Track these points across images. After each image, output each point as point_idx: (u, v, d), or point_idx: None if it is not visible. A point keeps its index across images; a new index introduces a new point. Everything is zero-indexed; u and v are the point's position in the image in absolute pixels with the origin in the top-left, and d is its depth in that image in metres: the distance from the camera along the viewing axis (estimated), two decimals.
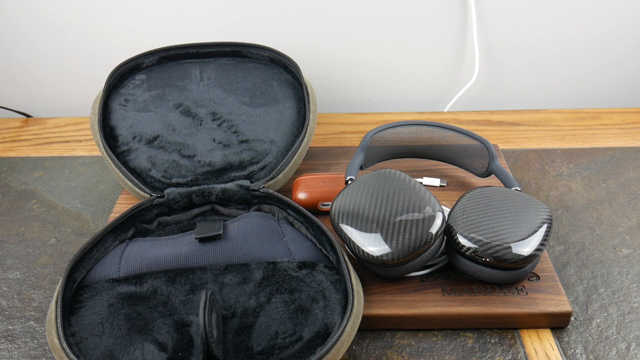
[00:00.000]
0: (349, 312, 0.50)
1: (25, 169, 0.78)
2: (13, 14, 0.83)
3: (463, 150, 0.68)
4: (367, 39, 0.84)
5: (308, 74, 0.86)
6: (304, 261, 0.57)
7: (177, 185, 0.65)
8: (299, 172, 0.72)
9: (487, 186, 0.59)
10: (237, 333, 0.50)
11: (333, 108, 0.91)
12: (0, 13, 0.83)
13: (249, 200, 0.65)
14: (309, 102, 0.69)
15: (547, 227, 0.55)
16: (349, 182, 0.60)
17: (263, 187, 0.64)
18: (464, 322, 0.54)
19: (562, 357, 0.52)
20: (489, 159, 0.65)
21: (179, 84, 0.72)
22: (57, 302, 0.50)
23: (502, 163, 0.72)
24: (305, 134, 0.68)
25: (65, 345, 0.47)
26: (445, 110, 0.90)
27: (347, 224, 0.55)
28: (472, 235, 0.54)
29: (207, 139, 0.68)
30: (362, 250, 0.53)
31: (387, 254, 0.53)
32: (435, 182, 0.69)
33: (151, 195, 0.63)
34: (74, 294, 0.54)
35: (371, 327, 0.55)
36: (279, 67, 0.74)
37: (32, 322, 0.57)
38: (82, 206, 0.71)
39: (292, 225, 0.62)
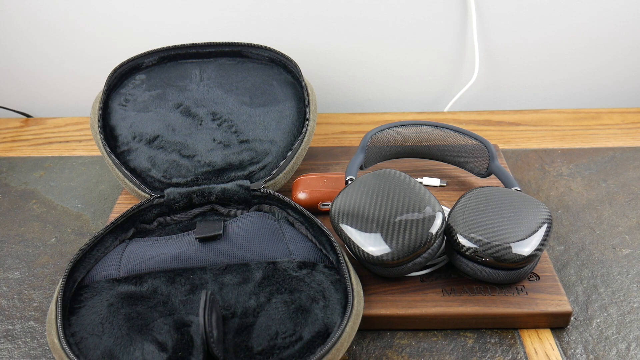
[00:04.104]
0: (349, 312, 0.50)
1: (25, 169, 0.78)
2: (13, 15, 0.83)
3: (463, 150, 0.68)
4: (367, 39, 0.84)
5: (308, 74, 0.86)
6: (304, 261, 0.57)
7: (177, 185, 0.65)
8: (299, 172, 0.72)
9: (487, 186, 0.59)
10: (237, 333, 0.50)
11: (333, 108, 0.91)
12: (1, 14, 0.83)
13: (249, 200, 0.65)
14: (309, 102, 0.69)
15: (547, 227, 0.55)
16: (349, 182, 0.60)
17: (263, 187, 0.64)
18: (464, 322, 0.54)
19: (562, 357, 0.52)
20: (489, 159, 0.65)
21: (179, 84, 0.72)
22: (57, 302, 0.50)
23: (502, 163, 0.72)
24: (305, 134, 0.68)
25: (65, 345, 0.47)
26: (445, 110, 0.90)
27: (347, 224, 0.55)
28: (472, 235, 0.54)
29: (207, 139, 0.68)
30: (362, 250, 0.53)
31: (387, 254, 0.53)
32: (435, 182, 0.69)
33: (151, 195, 0.63)
34: (74, 294, 0.54)
35: (371, 327, 0.55)
36: (279, 67, 0.74)
37: (32, 322, 0.57)
38: (82, 206, 0.71)
39: (292, 225, 0.62)
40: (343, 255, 0.55)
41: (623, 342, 0.54)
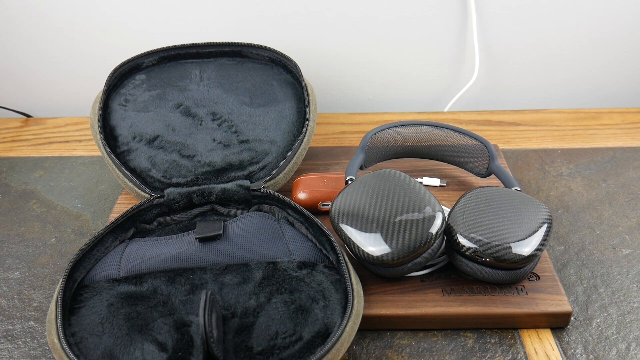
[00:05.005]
0: (349, 312, 0.50)
1: (25, 169, 0.78)
2: (13, 14, 0.83)
3: (463, 150, 0.68)
4: (367, 39, 0.84)
5: (308, 74, 0.86)
6: (304, 261, 0.57)
7: (177, 185, 0.65)
8: (299, 172, 0.72)
9: (487, 186, 0.59)
10: (237, 333, 0.50)
11: (333, 108, 0.91)
12: (0, 13, 0.83)
13: (249, 200, 0.65)
14: (309, 102, 0.69)
15: (547, 227, 0.55)
16: (349, 182, 0.60)
17: (263, 187, 0.64)
18: (464, 322, 0.54)
19: (562, 357, 0.52)
20: (489, 159, 0.65)
21: (179, 84, 0.72)
22: (57, 302, 0.50)
23: (502, 163, 0.72)
24: (305, 134, 0.68)
25: (65, 345, 0.47)
26: (445, 110, 0.90)
27: (347, 224, 0.55)
28: (472, 235, 0.54)
29: (207, 139, 0.68)
30: (362, 250, 0.53)
31: (387, 254, 0.53)
32: (435, 182, 0.69)
33: (151, 195, 0.63)
34: (74, 294, 0.54)
35: (371, 327, 0.55)
36: (279, 67, 0.74)
37: (32, 322, 0.57)
38: (82, 206, 0.71)
39: (292, 225, 0.62)
40: (343, 255, 0.55)
41: (623, 342, 0.54)
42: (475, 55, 0.84)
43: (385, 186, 0.57)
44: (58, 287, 0.52)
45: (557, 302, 0.54)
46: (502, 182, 0.63)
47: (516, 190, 0.60)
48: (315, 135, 0.83)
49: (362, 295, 0.53)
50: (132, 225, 0.62)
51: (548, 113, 0.87)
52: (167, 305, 0.52)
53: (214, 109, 0.70)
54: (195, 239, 0.59)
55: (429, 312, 0.54)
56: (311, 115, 0.69)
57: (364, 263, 0.56)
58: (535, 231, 0.54)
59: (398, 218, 0.54)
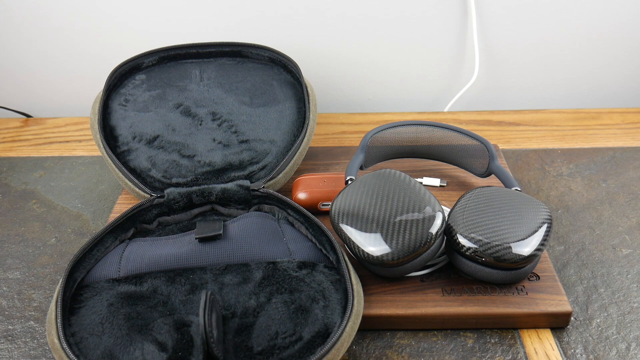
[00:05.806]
0: (349, 312, 0.50)
1: (25, 169, 0.78)
2: (13, 14, 0.83)
3: (463, 150, 0.68)
4: (367, 39, 0.84)
5: (308, 74, 0.86)
6: (304, 261, 0.57)
7: (177, 185, 0.65)
8: (299, 172, 0.72)
9: (487, 186, 0.59)
10: (237, 333, 0.50)
11: (333, 108, 0.91)
12: (0, 13, 0.83)
13: (249, 200, 0.65)
14: (309, 102, 0.69)
15: (547, 227, 0.55)
16: (349, 182, 0.60)
17: (263, 187, 0.64)
18: (464, 322, 0.54)
19: (562, 357, 0.52)
20: (489, 159, 0.65)
21: (179, 84, 0.72)
22: (57, 302, 0.50)
23: (502, 163, 0.72)
24: (305, 134, 0.68)
25: (65, 345, 0.47)
26: (445, 110, 0.90)
27: (347, 224, 0.55)
28: (472, 235, 0.54)
29: (207, 139, 0.68)
30: (362, 250, 0.53)
31: (387, 254, 0.53)
32: (435, 182, 0.69)
33: (151, 195, 0.63)
34: (74, 294, 0.54)
35: (371, 327, 0.55)
36: (279, 67, 0.74)
37: (32, 322, 0.57)
38: (82, 206, 0.71)
39: (292, 225, 0.62)
40: (343, 255, 0.55)
41: (623, 342, 0.54)
42: (475, 55, 0.84)
43: (385, 186, 0.57)
44: (58, 287, 0.52)
45: (557, 302, 0.54)
46: (502, 182, 0.63)
47: (516, 190, 0.60)
48: (315, 135, 0.83)
49: (362, 295, 0.53)
50: (132, 225, 0.62)
51: (548, 113, 0.87)
52: (167, 305, 0.52)
53: (214, 109, 0.70)
54: (195, 239, 0.59)
55: (429, 312, 0.54)
56: (311, 115, 0.69)
57: (364, 263, 0.56)
58: (535, 231, 0.54)
59: (398, 218, 0.54)
